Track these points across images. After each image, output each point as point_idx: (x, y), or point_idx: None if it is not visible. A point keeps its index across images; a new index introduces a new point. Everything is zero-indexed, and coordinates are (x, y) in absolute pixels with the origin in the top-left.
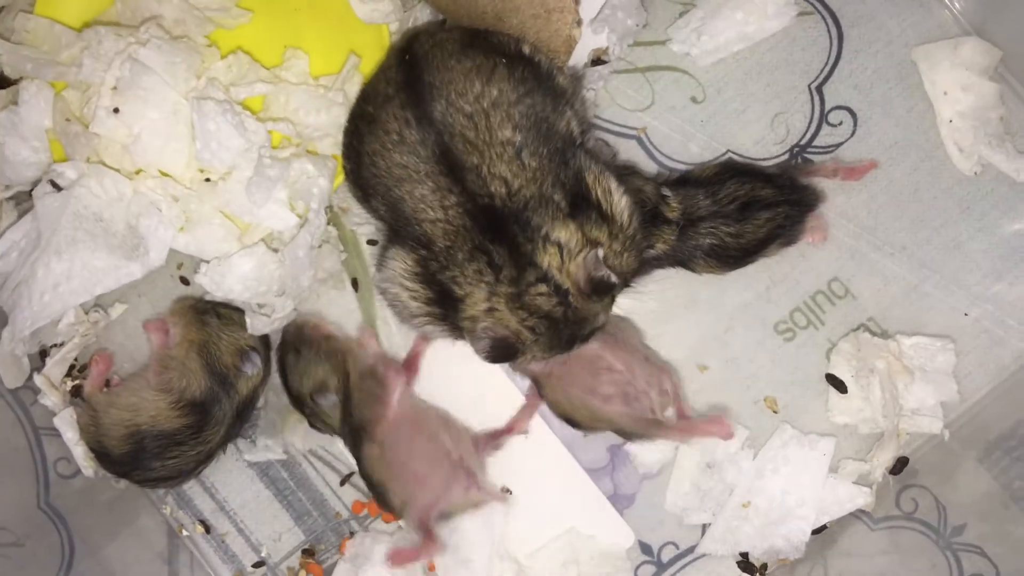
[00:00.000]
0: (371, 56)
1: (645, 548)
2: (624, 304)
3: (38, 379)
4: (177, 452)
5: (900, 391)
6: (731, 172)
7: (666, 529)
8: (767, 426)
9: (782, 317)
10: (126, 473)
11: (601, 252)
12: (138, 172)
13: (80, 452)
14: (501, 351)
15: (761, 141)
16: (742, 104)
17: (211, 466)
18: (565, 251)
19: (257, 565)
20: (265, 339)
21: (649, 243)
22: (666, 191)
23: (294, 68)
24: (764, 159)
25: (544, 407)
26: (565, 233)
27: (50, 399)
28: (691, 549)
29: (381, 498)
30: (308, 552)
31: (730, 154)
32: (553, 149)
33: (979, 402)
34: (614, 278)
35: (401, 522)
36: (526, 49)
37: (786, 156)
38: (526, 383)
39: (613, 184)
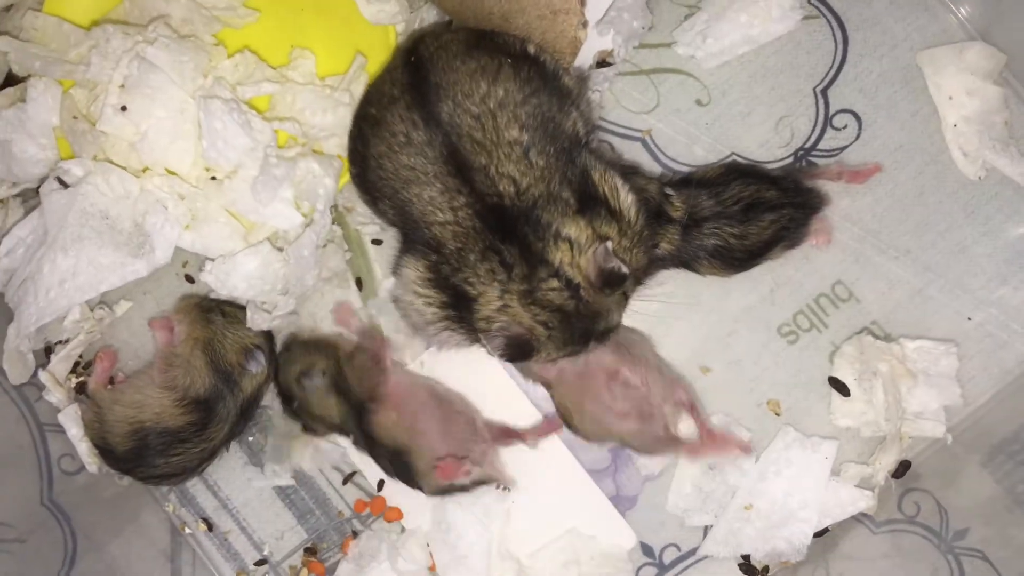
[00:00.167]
0: (377, 57)
1: (647, 549)
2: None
3: (43, 375)
4: (181, 449)
5: (903, 394)
6: (735, 174)
7: (668, 531)
8: (770, 428)
9: (785, 320)
10: (130, 470)
11: (611, 245)
12: (145, 170)
13: (84, 448)
14: (516, 349)
15: (766, 144)
16: (747, 107)
17: (214, 464)
18: (575, 246)
19: (259, 563)
20: (270, 337)
21: (654, 242)
22: (669, 190)
23: (300, 68)
24: (769, 162)
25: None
26: (575, 229)
27: (55, 395)
28: (693, 551)
29: (404, 467)
30: (310, 551)
31: (734, 157)
32: (560, 148)
33: (982, 406)
34: (625, 268)
35: (404, 521)
36: (531, 49)
37: (790, 159)
38: (538, 391)
39: (619, 182)
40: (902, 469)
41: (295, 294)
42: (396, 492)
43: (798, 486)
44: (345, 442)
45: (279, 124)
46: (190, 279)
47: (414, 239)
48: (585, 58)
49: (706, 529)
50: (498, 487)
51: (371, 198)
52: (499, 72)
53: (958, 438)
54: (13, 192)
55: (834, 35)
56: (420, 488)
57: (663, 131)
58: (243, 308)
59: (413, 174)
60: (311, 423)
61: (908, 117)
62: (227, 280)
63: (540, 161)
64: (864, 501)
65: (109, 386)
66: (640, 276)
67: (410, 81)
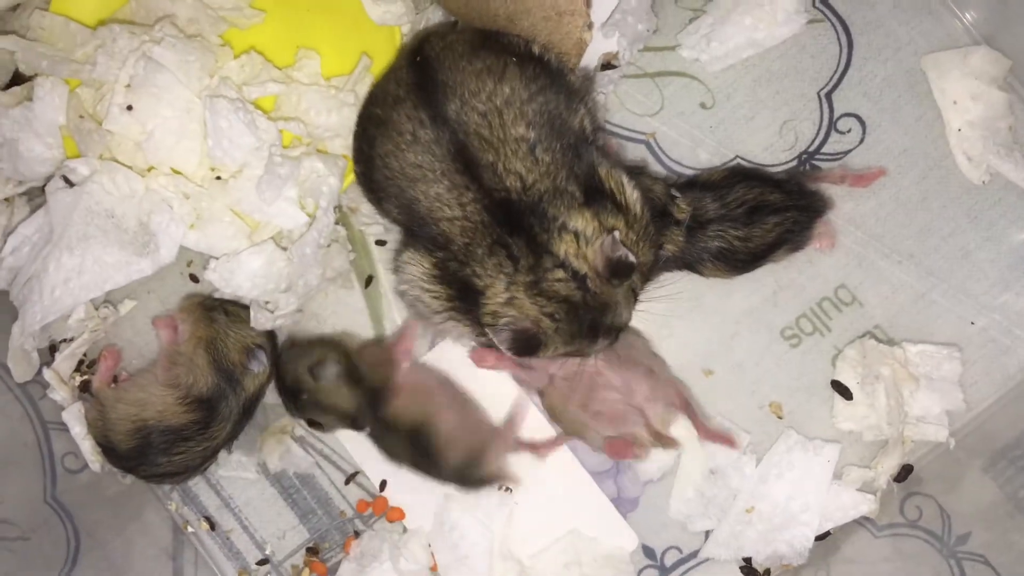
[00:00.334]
0: (383, 57)
1: (648, 552)
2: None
3: (47, 373)
4: (183, 448)
5: (905, 398)
6: (740, 176)
7: (669, 533)
8: (772, 431)
9: (788, 323)
10: (132, 468)
11: (618, 235)
12: (150, 169)
13: (88, 447)
14: (523, 343)
15: (770, 148)
16: (751, 110)
17: (216, 462)
18: (581, 238)
19: (261, 563)
20: (272, 337)
21: (660, 241)
22: (675, 192)
23: (306, 68)
24: (773, 165)
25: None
26: (581, 221)
27: (59, 394)
28: (694, 554)
29: (423, 445)
30: (312, 550)
31: (739, 160)
32: (567, 144)
33: (985, 411)
34: (632, 258)
35: (406, 521)
36: (536, 50)
37: (794, 163)
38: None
39: (625, 178)
40: (904, 473)
41: (298, 293)
42: (398, 492)
43: (800, 489)
44: (344, 437)
45: (284, 124)
46: (194, 278)
47: (419, 236)
48: (590, 60)
49: (707, 532)
50: (500, 488)
51: (376, 196)
52: (505, 71)
53: (960, 443)
54: (19, 190)
55: (838, 39)
56: (438, 468)
57: (667, 134)
58: (246, 307)
59: (420, 172)
60: (319, 416)
61: (912, 121)
62: (231, 279)
63: (546, 157)
64: (866, 505)
65: (113, 385)
66: (647, 273)
67: (416, 81)
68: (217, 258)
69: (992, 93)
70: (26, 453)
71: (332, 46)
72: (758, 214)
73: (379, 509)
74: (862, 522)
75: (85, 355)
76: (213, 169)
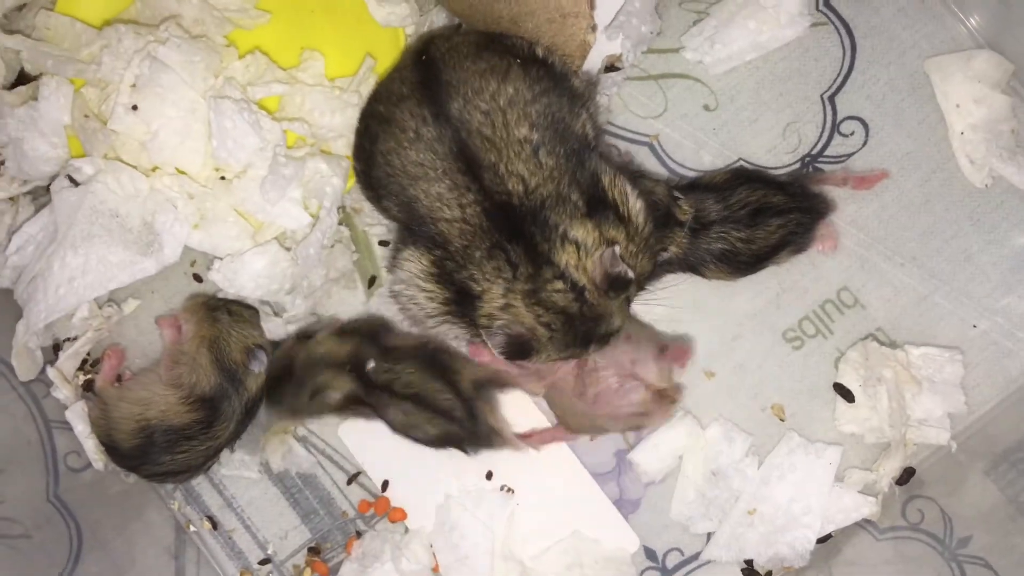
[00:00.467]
0: (387, 59)
1: (650, 554)
2: (633, 309)
3: (51, 372)
4: (186, 447)
5: (907, 401)
6: (742, 178)
7: (671, 535)
8: (773, 434)
9: (791, 325)
10: (135, 467)
11: (618, 249)
12: (154, 169)
13: (91, 445)
14: (516, 348)
15: (773, 150)
16: (754, 113)
17: (219, 462)
18: (582, 249)
19: (263, 562)
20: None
21: (662, 246)
22: (678, 193)
23: (310, 69)
24: (776, 168)
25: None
26: (583, 232)
27: (62, 392)
28: (696, 555)
29: (437, 362)
30: (314, 550)
31: (742, 162)
32: (570, 150)
33: (987, 414)
34: (631, 273)
35: (407, 522)
36: (540, 52)
37: (797, 165)
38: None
39: (628, 187)
40: (906, 476)
41: (302, 294)
42: (400, 493)
43: (802, 491)
44: (347, 436)
45: (288, 124)
46: (198, 278)
47: (418, 234)
48: (593, 62)
49: (709, 534)
50: (502, 488)
51: (375, 194)
52: (508, 72)
53: (962, 446)
54: (24, 190)
55: (842, 42)
56: (454, 386)
57: (671, 136)
58: (250, 307)
59: (422, 170)
60: (323, 383)
61: (915, 124)
62: (235, 279)
63: (549, 161)
64: (868, 507)
65: (116, 384)
66: (643, 282)
67: (420, 79)
68: (221, 258)
69: (995, 97)
70: (29, 451)
71: (336, 47)
72: (761, 216)
73: (381, 509)
74: (864, 525)
75: (89, 354)
76: (217, 169)
